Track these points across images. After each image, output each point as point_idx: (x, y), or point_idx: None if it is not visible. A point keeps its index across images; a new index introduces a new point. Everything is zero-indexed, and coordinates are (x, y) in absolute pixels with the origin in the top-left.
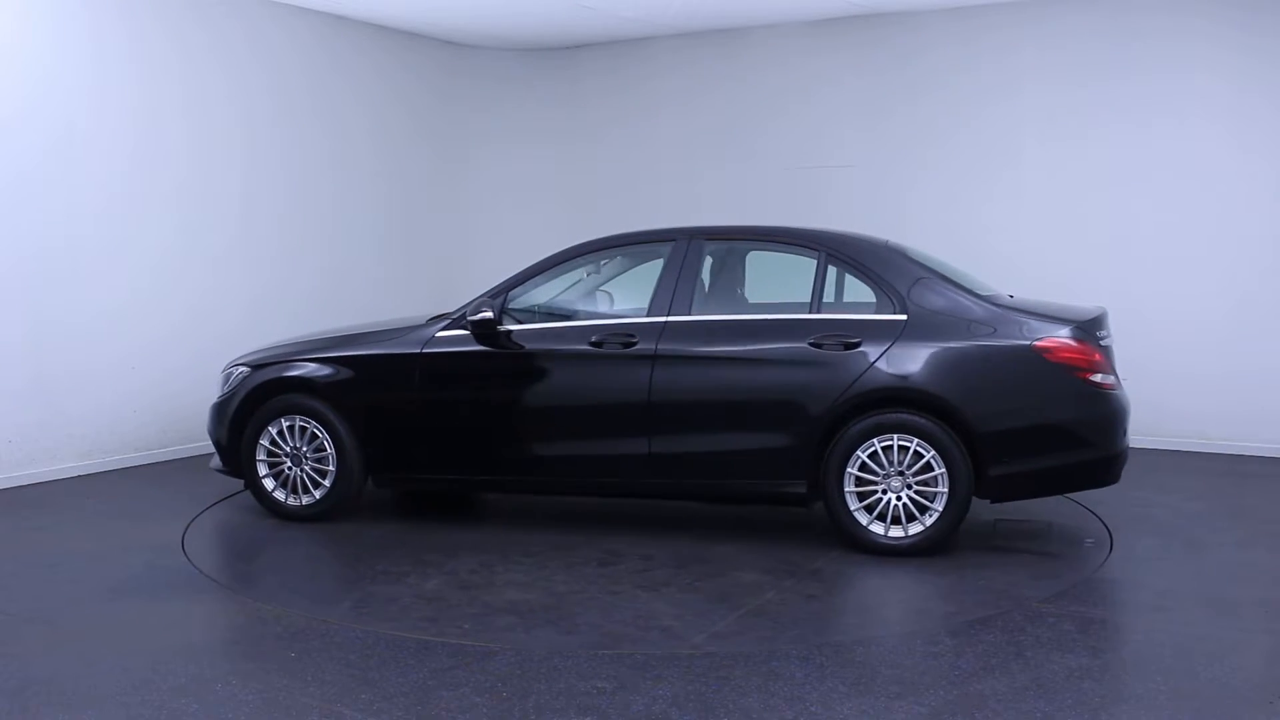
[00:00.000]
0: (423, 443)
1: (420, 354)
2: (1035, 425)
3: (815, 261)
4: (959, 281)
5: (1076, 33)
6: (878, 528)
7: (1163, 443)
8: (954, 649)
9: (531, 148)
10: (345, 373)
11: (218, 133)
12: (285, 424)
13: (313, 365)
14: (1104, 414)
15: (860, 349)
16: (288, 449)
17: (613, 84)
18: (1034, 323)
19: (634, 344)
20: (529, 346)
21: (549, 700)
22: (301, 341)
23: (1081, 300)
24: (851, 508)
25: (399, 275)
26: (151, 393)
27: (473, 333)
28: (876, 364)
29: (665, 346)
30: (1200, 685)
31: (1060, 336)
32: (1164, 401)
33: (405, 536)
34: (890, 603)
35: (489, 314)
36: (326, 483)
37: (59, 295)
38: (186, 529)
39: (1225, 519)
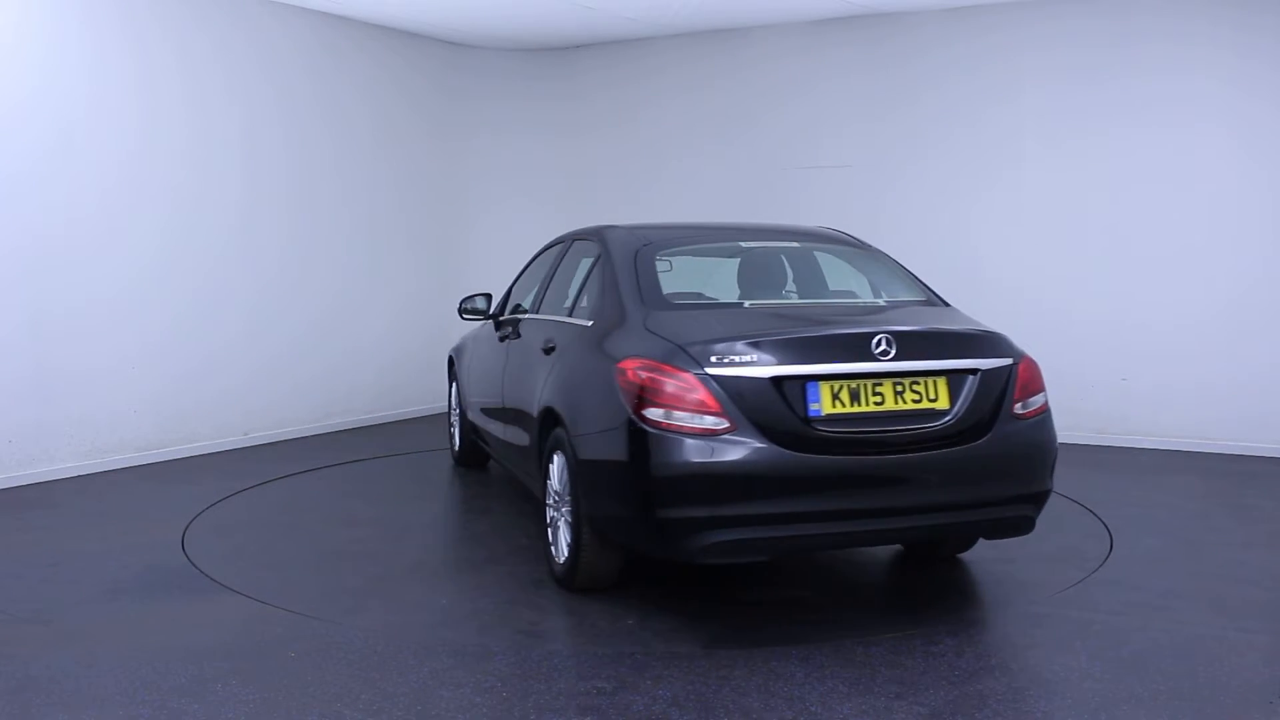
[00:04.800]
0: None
1: (469, 336)
2: (605, 462)
3: (591, 262)
4: (657, 286)
5: (1077, 34)
6: (553, 550)
7: (1163, 443)
8: (954, 649)
9: (533, 146)
10: (460, 352)
11: (218, 132)
12: (450, 388)
13: (460, 344)
14: (654, 462)
15: (553, 354)
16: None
17: (613, 83)
18: (648, 341)
19: (508, 337)
20: (484, 333)
21: (549, 700)
22: None
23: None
24: (546, 522)
25: (402, 270)
26: (151, 392)
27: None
28: (552, 373)
29: (513, 341)
30: (1200, 685)
31: (637, 355)
32: (1164, 402)
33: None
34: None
35: (462, 304)
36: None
37: (59, 295)
38: (186, 529)
39: (1225, 519)
